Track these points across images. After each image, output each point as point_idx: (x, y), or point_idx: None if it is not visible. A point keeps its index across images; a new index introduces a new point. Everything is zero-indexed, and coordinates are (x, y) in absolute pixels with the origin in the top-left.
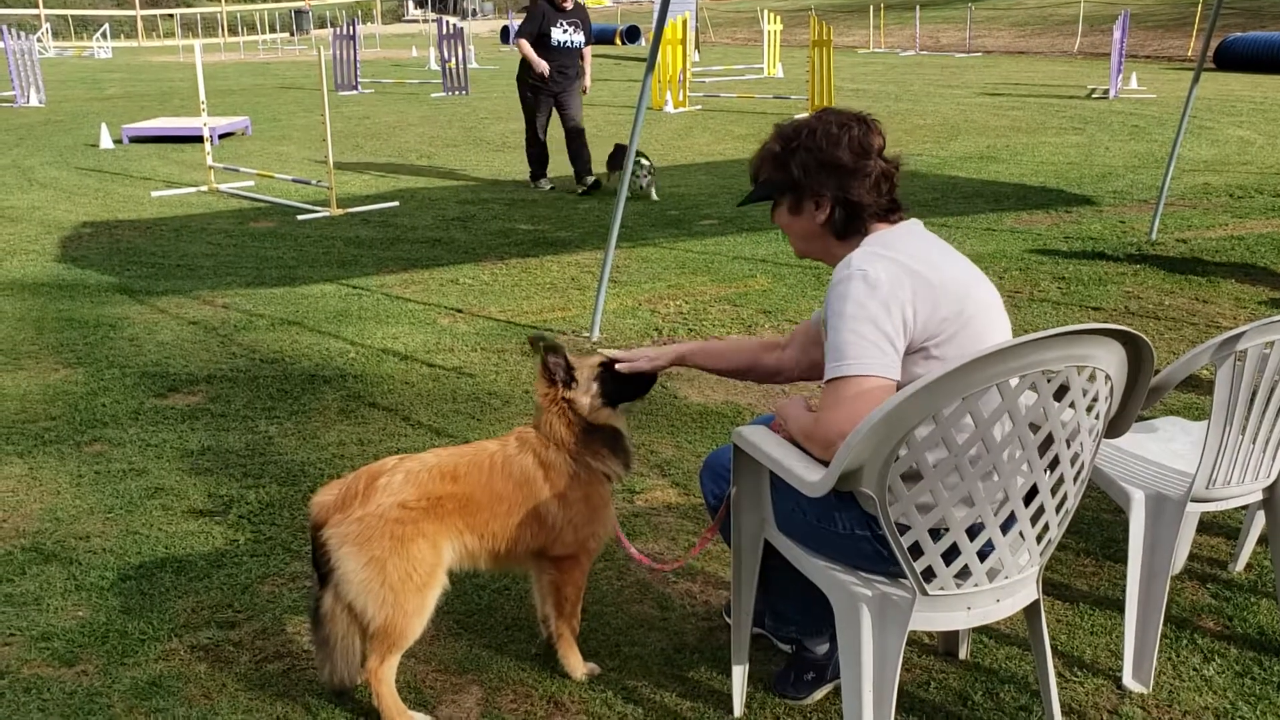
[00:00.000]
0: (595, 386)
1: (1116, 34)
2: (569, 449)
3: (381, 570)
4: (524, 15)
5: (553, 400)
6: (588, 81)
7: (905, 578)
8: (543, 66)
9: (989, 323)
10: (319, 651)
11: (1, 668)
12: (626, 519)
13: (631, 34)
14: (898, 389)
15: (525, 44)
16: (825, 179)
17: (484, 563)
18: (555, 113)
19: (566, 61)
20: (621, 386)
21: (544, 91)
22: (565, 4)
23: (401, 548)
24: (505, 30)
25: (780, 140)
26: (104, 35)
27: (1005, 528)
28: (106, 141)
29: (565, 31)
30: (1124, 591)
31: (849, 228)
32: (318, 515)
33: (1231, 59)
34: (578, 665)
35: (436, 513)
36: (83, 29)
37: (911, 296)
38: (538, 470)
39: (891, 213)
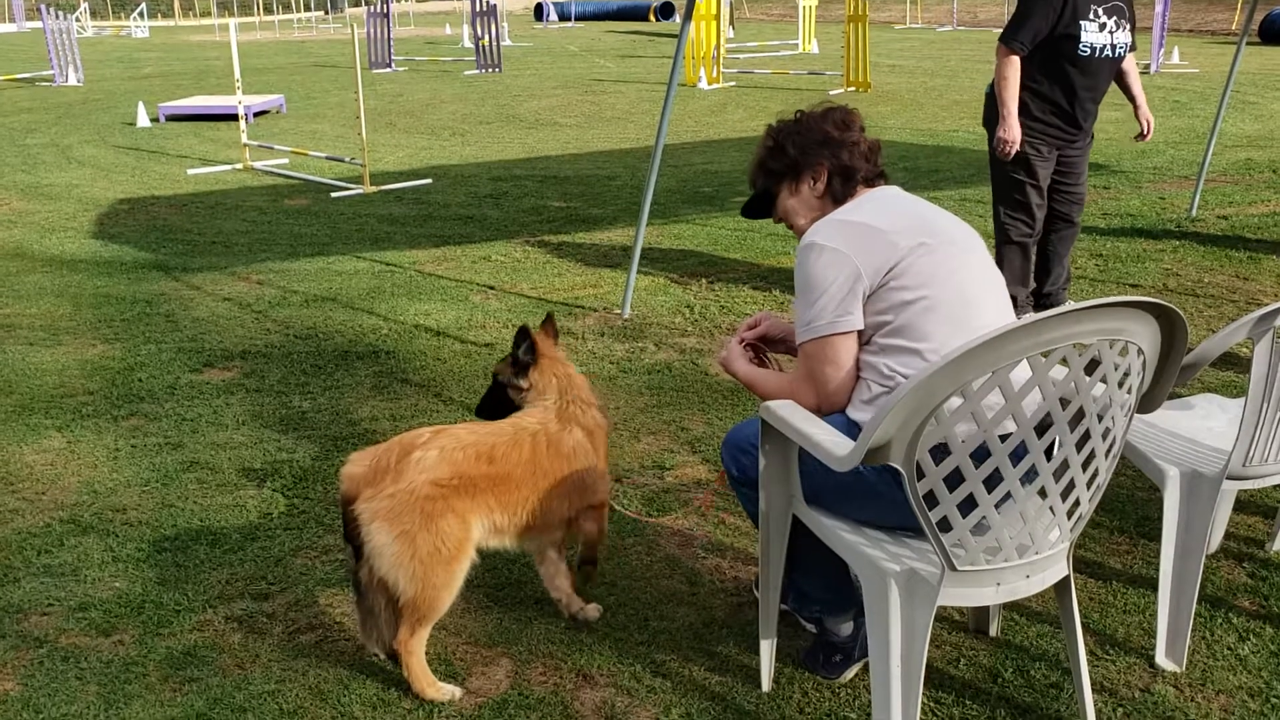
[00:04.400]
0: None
1: (1158, 7)
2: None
3: (411, 544)
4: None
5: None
6: (1147, 113)
7: (931, 547)
8: (1009, 134)
9: (959, 252)
10: (364, 620)
11: (40, 637)
12: (658, 495)
13: (666, 10)
14: (864, 332)
15: (1015, 66)
16: (819, 150)
17: (512, 538)
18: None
19: (1099, 84)
20: None
21: (1047, 135)
22: None
23: (430, 523)
24: (539, 8)
25: (772, 136)
26: (141, 14)
27: (1035, 503)
28: (143, 120)
29: (1104, 29)
30: (1158, 570)
31: (845, 190)
32: (349, 489)
33: (1276, 33)
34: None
35: (469, 491)
36: (120, 8)
37: (858, 248)
38: (586, 440)
39: (876, 178)
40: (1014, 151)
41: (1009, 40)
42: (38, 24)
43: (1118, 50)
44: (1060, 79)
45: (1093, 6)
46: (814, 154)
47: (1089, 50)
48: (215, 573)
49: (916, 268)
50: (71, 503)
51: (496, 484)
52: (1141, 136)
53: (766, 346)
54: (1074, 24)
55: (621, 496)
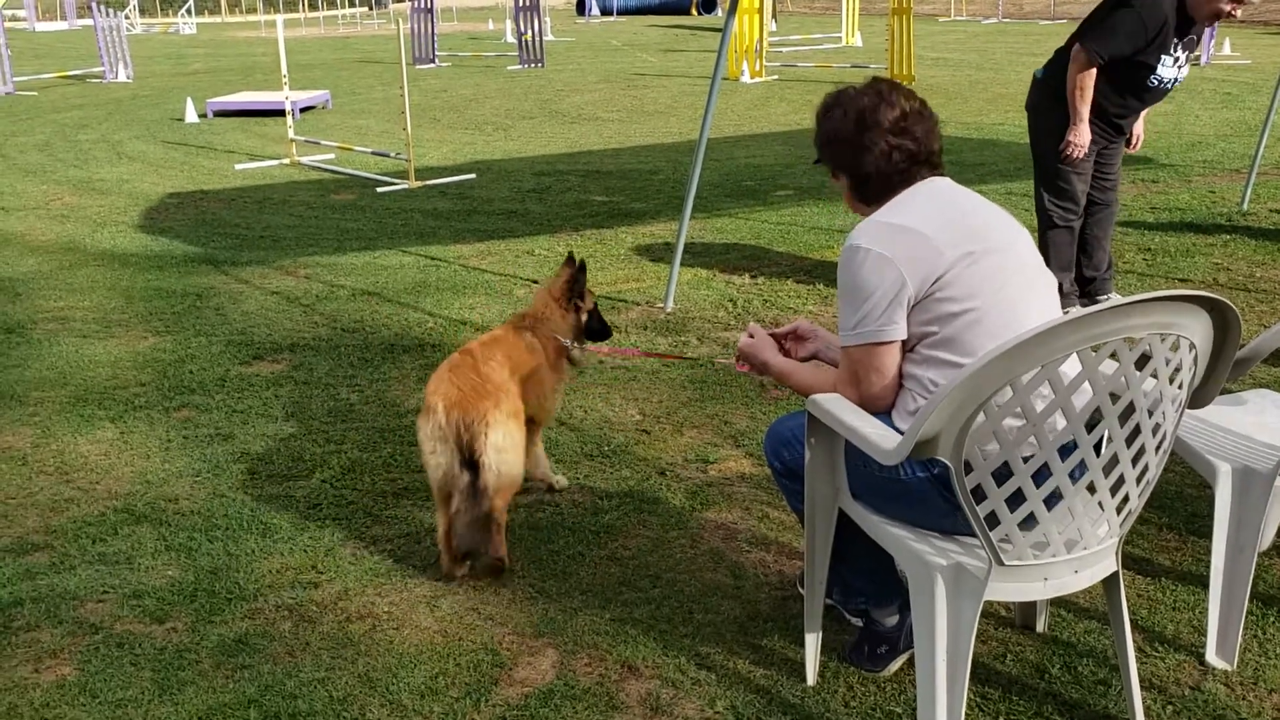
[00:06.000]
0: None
1: None
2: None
3: (522, 428)
4: (1103, 16)
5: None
6: (1141, 128)
7: (977, 538)
8: (1081, 139)
9: (1006, 258)
10: (467, 528)
11: (96, 623)
12: (701, 488)
13: (708, 4)
14: (907, 341)
15: (1093, 76)
16: (836, 152)
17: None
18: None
19: (1149, 104)
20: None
21: (1093, 137)
22: (1206, 15)
23: (519, 409)
24: (581, 3)
25: (817, 114)
26: (189, 11)
27: (1084, 498)
28: (191, 115)
29: (1175, 63)
30: (1207, 567)
31: (868, 194)
32: (464, 414)
33: None
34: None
35: (515, 375)
36: (168, 6)
37: (905, 256)
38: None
39: (919, 168)
40: (1081, 155)
41: (1089, 49)
42: (88, 21)
43: (1178, 81)
44: (1122, 98)
45: (1175, 41)
46: (830, 154)
47: (1158, 82)
48: (266, 562)
49: (964, 278)
50: (125, 492)
51: (516, 371)
52: (1128, 145)
53: (795, 345)
54: (1155, 55)
55: (665, 490)
